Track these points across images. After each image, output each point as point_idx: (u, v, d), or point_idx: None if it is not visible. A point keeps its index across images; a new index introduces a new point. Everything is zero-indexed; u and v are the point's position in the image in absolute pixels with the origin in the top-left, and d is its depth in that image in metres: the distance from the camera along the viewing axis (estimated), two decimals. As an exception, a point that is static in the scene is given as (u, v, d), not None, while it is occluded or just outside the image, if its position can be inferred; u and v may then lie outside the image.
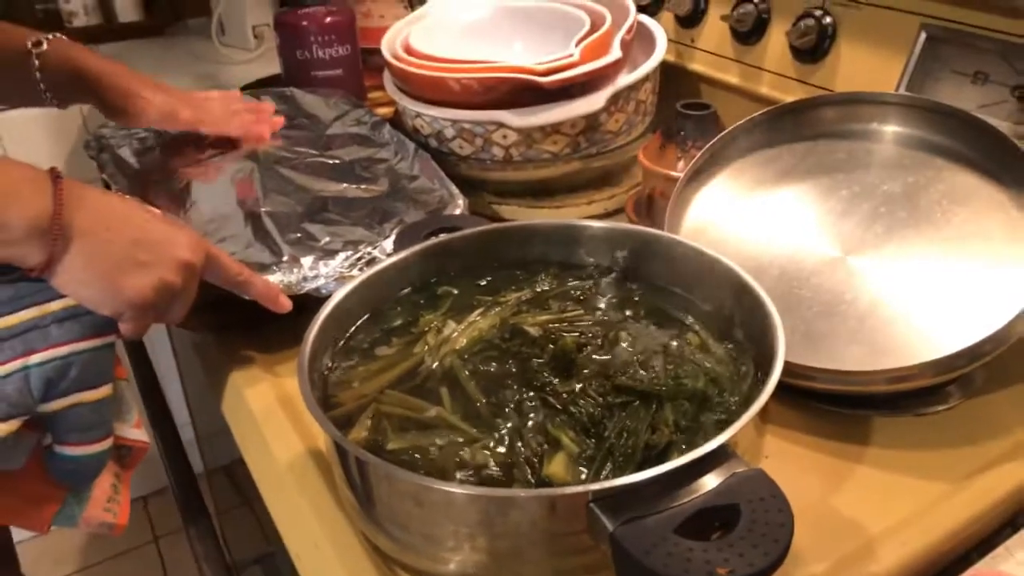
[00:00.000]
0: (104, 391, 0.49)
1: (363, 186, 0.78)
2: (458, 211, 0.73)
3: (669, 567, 0.34)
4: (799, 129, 0.69)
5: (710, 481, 0.39)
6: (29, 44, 0.73)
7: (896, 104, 0.65)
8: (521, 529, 0.39)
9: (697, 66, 0.94)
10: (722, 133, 0.69)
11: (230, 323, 0.67)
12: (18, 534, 1.82)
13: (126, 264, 0.49)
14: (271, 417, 0.58)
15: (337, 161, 0.82)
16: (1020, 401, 0.58)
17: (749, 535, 0.36)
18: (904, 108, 0.65)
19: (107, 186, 0.77)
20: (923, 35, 0.70)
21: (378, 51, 0.89)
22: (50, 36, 0.75)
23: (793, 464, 0.54)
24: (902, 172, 0.64)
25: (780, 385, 0.55)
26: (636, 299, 0.58)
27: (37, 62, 0.74)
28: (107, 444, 0.51)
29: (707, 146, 0.69)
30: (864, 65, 0.76)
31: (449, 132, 0.82)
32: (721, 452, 0.39)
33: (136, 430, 0.54)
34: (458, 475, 0.44)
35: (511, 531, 0.40)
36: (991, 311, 0.54)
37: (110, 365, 0.50)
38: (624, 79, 0.82)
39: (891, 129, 0.66)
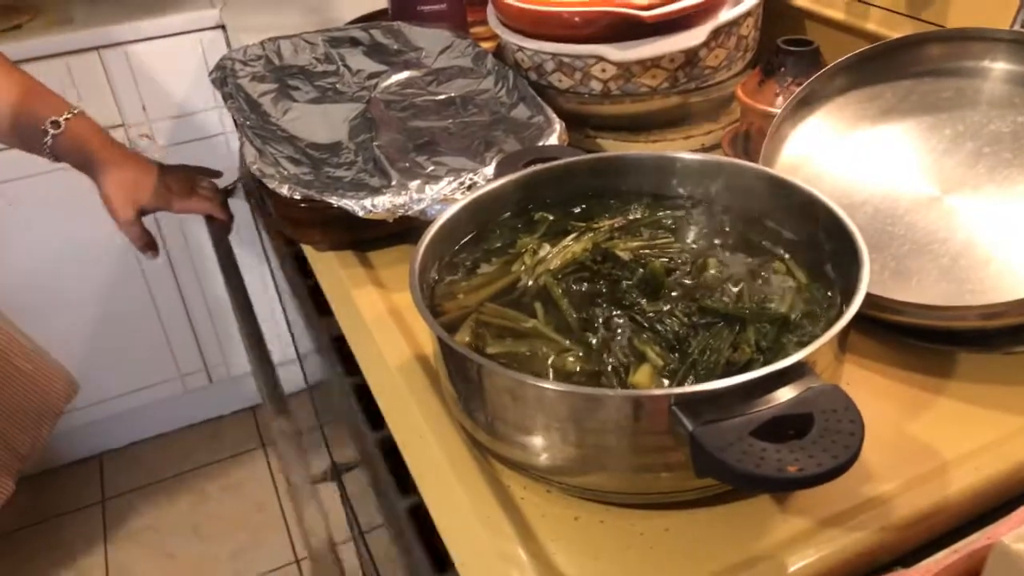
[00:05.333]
0: None
1: (466, 118, 0.81)
2: (554, 136, 0.75)
3: (742, 462, 0.38)
4: (903, 67, 0.68)
5: (787, 393, 0.41)
6: (46, 125, 0.79)
7: (1008, 41, 0.63)
8: (607, 427, 0.43)
9: (801, 1, 0.92)
10: (822, 70, 0.69)
11: (344, 241, 0.73)
12: (140, 432, 2.01)
13: None
14: (382, 325, 0.64)
15: (442, 96, 0.86)
16: (1115, 345, 0.57)
17: (820, 440, 0.38)
18: (1017, 45, 0.63)
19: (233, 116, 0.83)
20: (1045, -32, 0.68)
21: (482, -15, 0.92)
22: (70, 114, 0.81)
23: (874, 392, 0.55)
24: (1012, 111, 0.63)
25: (868, 319, 0.56)
26: (726, 229, 0.60)
27: (50, 141, 0.80)
28: None
29: (806, 83, 0.69)
30: (978, 0, 0.73)
31: (549, 66, 0.85)
32: (798, 367, 0.42)
33: None
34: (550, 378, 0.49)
35: (597, 428, 0.44)
36: (1090, 254, 0.53)
37: None
38: (726, 14, 0.82)
39: (1002, 67, 0.64)
